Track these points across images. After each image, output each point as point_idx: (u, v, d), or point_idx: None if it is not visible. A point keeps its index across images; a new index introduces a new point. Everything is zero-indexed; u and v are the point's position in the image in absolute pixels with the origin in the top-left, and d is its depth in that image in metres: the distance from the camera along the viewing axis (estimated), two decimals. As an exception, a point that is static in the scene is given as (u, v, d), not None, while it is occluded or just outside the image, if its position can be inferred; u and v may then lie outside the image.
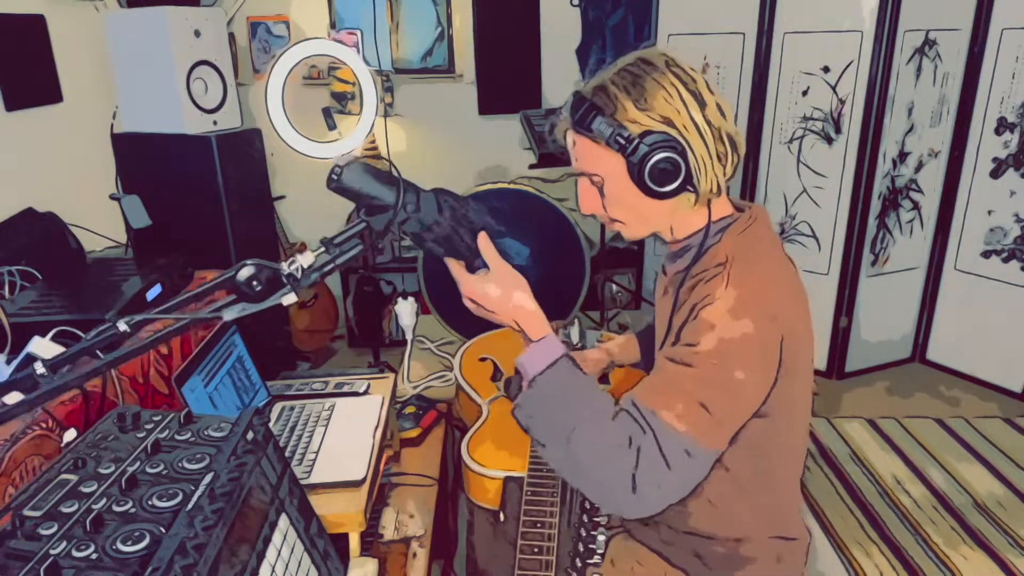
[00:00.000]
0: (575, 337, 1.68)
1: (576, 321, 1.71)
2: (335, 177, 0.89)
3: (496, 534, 1.38)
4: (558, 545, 1.09)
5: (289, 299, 0.84)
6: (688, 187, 1.03)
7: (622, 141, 1.00)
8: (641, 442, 0.96)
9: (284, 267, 0.83)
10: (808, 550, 1.21)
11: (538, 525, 1.13)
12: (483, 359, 1.64)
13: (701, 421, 0.97)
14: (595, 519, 1.17)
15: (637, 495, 0.95)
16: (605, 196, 1.09)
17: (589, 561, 1.11)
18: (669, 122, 1.01)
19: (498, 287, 1.02)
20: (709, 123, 1.03)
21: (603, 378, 1.50)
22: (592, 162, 1.07)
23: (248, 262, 0.81)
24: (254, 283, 0.81)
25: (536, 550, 1.09)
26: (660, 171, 1.01)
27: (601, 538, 1.14)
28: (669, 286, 1.16)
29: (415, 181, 0.95)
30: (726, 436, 1.01)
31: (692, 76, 1.04)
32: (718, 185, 1.06)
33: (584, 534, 1.13)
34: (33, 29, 2.32)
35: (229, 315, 0.82)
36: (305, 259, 0.84)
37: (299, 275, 0.84)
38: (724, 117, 1.04)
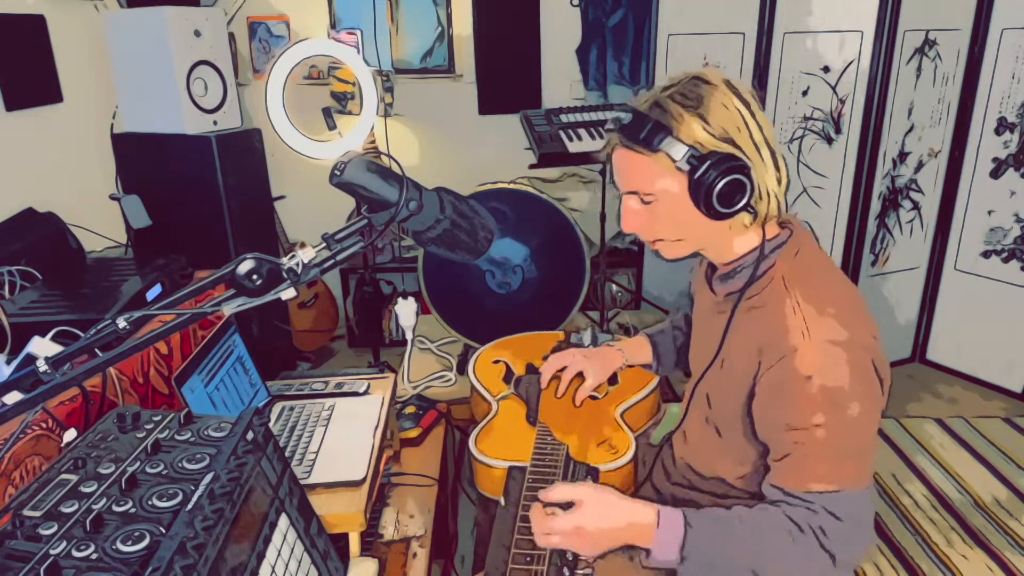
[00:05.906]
0: (587, 341, 1.68)
1: (589, 327, 1.72)
2: (338, 172, 0.89)
3: (500, 520, 1.39)
4: None
5: (288, 294, 0.83)
6: (748, 207, 1.02)
7: (695, 163, 0.98)
8: (819, 521, 0.97)
9: (284, 262, 0.83)
10: None
11: None
12: (496, 362, 1.66)
13: (849, 470, 0.98)
14: None
15: (835, 560, 0.97)
16: (655, 215, 1.06)
17: None
18: (732, 142, 1.00)
19: (587, 521, 1.01)
20: (767, 144, 1.03)
21: (612, 378, 1.51)
22: (647, 181, 1.04)
23: (248, 256, 0.81)
24: (254, 277, 0.81)
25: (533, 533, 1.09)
26: (727, 191, 0.99)
27: None
28: (723, 305, 1.14)
29: (415, 181, 0.95)
30: (871, 465, 1.01)
31: (748, 98, 1.03)
32: (779, 205, 1.06)
33: None
34: (33, 29, 2.32)
35: (228, 309, 0.81)
36: (306, 254, 0.84)
37: (299, 270, 0.83)
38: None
